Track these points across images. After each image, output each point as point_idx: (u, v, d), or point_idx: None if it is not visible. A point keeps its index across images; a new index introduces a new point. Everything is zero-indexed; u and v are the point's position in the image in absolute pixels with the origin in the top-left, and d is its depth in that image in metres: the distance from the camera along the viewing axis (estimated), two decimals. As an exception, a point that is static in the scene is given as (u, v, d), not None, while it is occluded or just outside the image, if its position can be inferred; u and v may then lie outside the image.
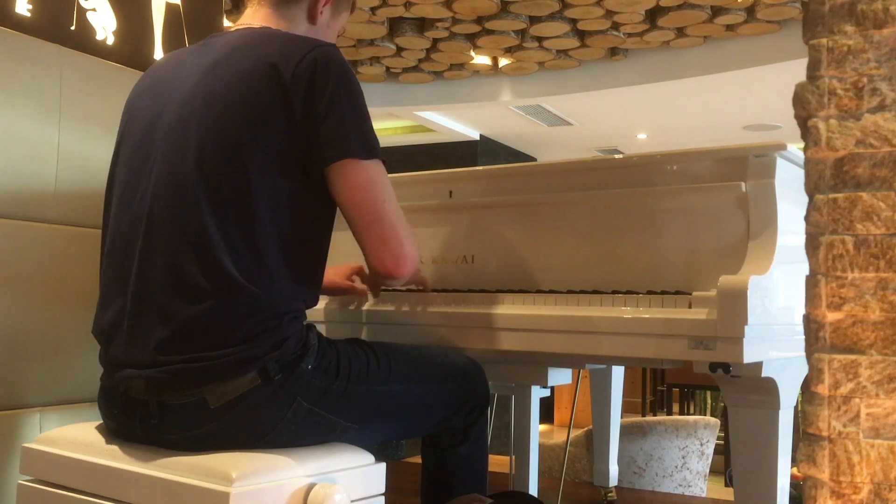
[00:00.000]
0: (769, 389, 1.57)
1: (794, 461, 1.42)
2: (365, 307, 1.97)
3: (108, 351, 1.49)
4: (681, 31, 4.92)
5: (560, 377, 2.06)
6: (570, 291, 1.73)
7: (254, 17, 1.61)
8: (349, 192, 1.44)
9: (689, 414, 6.57)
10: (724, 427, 4.43)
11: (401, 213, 1.49)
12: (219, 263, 1.38)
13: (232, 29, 1.61)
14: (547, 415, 8.17)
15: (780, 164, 1.65)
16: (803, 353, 1.18)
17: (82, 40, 2.08)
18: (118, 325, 1.46)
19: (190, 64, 1.55)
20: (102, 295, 1.53)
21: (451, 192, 2.08)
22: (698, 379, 5.28)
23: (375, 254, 1.47)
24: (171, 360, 1.38)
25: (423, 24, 4.91)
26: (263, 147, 1.42)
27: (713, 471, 3.69)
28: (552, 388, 3.49)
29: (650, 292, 1.62)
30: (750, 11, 4.59)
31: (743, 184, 1.66)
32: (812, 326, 1.16)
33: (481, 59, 5.54)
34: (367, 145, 1.45)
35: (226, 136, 1.42)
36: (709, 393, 6.72)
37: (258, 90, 1.42)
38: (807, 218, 1.18)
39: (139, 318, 1.43)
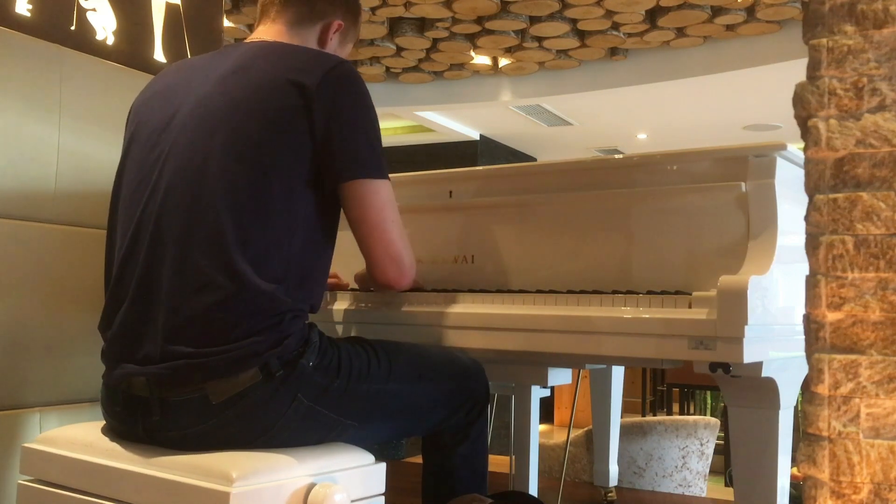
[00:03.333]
0: (769, 389, 1.57)
1: (794, 461, 1.42)
2: (365, 307, 1.97)
3: (112, 347, 1.49)
4: (681, 31, 4.92)
5: (560, 377, 2.06)
6: (570, 291, 1.73)
7: (267, 33, 1.67)
8: (360, 211, 1.52)
9: (689, 414, 6.57)
10: (724, 427, 4.43)
11: (401, 228, 1.58)
12: (231, 259, 1.40)
13: (247, 41, 1.66)
14: (547, 415, 8.16)
15: (780, 164, 1.65)
16: (803, 353, 1.18)
17: (82, 40, 2.08)
18: (123, 321, 1.47)
19: (205, 69, 1.58)
20: (111, 290, 1.54)
21: (451, 192, 2.08)
22: (698, 379, 5.28)
23: (382, 269, 1.58)
24: (173, 355, 1.39)
25: (423, 24, 4.91)
26: (284, 153, 1.46)
27: (713, 471, 3.69)
28: (552, 388, 3.49)
29: (650, 292, 1.62)
30: (750, 11, 4.59)
31: (743, 184, 1.66)
32: (812, 326, 1.16)
33: (481, 59, 5.54)
34: (378, 165, 1.53)
35: (248, 139, 1.45)
36: (709, 393, 6.72)
37: (282, 98, 1.46)
38: (807, 218, 1.18)
39: (144, 312, 1.44)
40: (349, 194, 1.51)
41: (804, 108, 1.18)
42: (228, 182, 1.44)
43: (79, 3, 2.08)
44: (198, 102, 1.51)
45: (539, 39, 5.06)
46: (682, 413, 6.57)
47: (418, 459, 1.79)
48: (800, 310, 1.21)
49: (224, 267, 1.40)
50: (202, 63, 1.63)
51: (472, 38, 5.07)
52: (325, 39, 1.70)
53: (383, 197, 1.53)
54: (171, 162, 1.48)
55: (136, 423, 1.45)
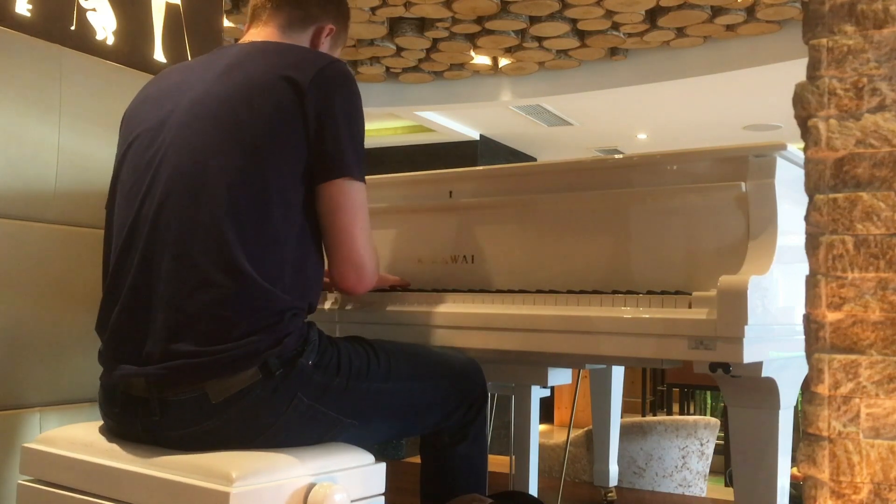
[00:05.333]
0: (769, 389, 1.57)
1: (794, 461, 1.42)
2: (365, 307, 1.97)
3: (109, 348, 1.49)
4: (681, 31, 4.92)
5: (560, 377, 2.06)
6: (569, 291, 1.73)
7: (259, 35, 1.68)
8: (332, 210, 1.51)
9: (689, 414, 6.57)
10: (724, 427, 4.43)
11: (369, 233, 1.57)
12: (231, 256, 1.40)
13: (240, 43, 1.66)
14: (547, 415, 8.16)
15: (780, 164, 1.65)
16: (803, 353, 1.18)
17: (82, 40, 2.08)
18: (119, 323, 1.47)
19: (199, 70, 1.59)
20: (106, 292, 1.54)
21: (451, 192, 2.08)
22: (698, 379, 5.28)
23: (341, 273, 1.56)
24: (172, 355, 1.39)
25: (423, 24, 4.90)
26: (279, 148, 1.46)
27: (713, 471, 3.69)
28: (552, 388, 3.49)
29: (650, 292, 1.62)
30: (750, 11, 4.59)
31: (743, 184, 1.66)
32: (812, 326, 1.16)
33: (481, 59, 5.53)
34: (360, 167, 1.53)
35: (244, 136, 1.46)
36: (709, 393, 6.72)
37: (275, 94, 1.47)
38: (807, 218, 1.18)
39: (141, 313, 1.44)
40: (326, 192, 1.51)
41: (804, 108, 1.18)
42: (226, 179, 1.44)
43: (79, 3, 2.08)
44: (192, 102, 1.52)
45: (539, 39, 5.06)
46: (682, 413, 6.57)
47: (418, 459, 1.79)
48: (800, 310, 1.21)
49: (224, 265, 1.40)
50: (194, 65, 1.64)
51: (472, 38, 5.07)
52: (317, 44, 1.71)
53: (357, 200, 1.53)
54: (168, 162, 1.49)
55: (135, 423, 1.45)
